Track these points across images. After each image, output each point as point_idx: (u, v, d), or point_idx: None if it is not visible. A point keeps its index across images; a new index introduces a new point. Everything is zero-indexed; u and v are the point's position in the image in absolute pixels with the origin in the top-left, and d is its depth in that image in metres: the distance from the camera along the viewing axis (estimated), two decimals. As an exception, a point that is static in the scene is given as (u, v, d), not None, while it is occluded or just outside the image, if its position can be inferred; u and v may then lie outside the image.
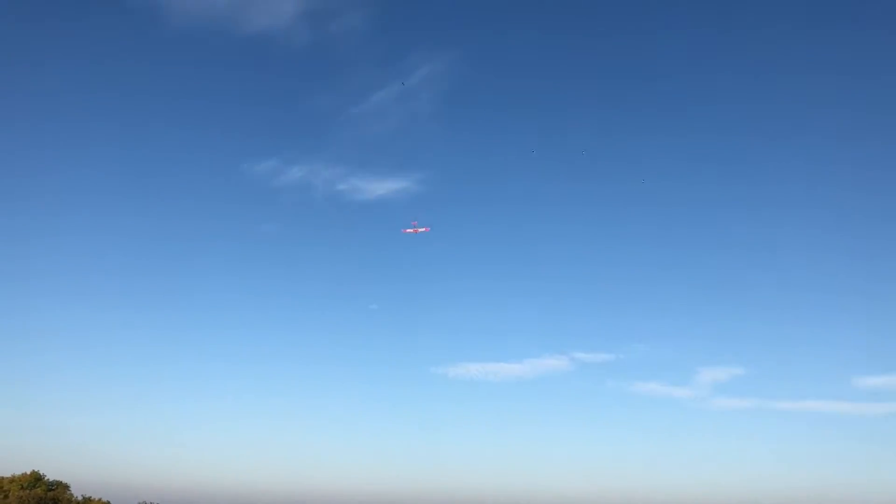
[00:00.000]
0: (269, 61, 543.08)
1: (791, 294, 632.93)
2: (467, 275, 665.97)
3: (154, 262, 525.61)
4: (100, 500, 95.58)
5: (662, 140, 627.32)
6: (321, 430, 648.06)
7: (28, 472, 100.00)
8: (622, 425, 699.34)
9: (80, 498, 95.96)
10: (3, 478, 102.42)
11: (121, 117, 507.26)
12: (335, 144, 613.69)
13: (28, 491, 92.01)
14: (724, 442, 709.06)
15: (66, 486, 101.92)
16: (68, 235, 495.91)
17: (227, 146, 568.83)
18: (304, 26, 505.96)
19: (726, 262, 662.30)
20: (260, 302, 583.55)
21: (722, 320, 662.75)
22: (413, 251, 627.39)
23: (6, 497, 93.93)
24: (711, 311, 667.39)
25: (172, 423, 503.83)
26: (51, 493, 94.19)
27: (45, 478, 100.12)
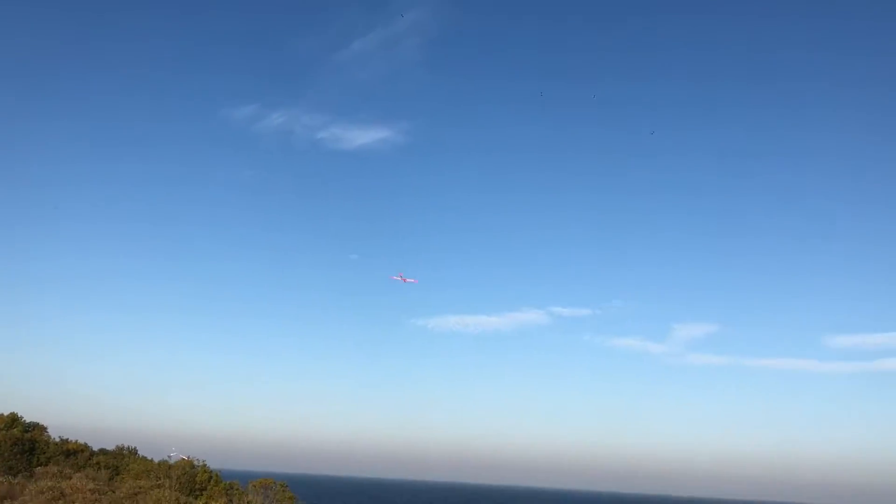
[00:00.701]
0: (250, 3, 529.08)
1: (765, 255, 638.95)
2: (448, 228, 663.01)
3: (130, 207, 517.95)
4: (76, 441, 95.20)
5: (661, 87, 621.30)
6: (299, 377, 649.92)
7: (5, 414, 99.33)
8: (598, 379, 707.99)
9: (57, 440, 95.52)
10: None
11: (97, 60, 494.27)
12: (317, 91, 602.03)
13: (5, 432, 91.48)
14: (697, 397, 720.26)
15: (43, 428, 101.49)
16: (41, 186, 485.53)
17: (207, 90, 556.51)
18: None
19: (703, 222, 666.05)
20: (237, 251, 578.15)
21: (698, 279, 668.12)
22: (394, 203, 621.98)
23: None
24: (688, 270, 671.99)
25: (150, 370, 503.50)
26: (28, 435, 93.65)
27: (22, 419, 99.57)
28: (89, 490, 52.95)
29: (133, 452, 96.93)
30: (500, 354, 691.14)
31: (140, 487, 53.01)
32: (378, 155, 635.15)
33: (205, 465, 70.83)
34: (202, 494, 60.74)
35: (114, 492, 53.64)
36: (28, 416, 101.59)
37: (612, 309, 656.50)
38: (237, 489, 62.10)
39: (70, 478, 59.59)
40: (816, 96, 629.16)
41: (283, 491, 64.92)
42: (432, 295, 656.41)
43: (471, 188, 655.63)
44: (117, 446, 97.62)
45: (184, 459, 73.80)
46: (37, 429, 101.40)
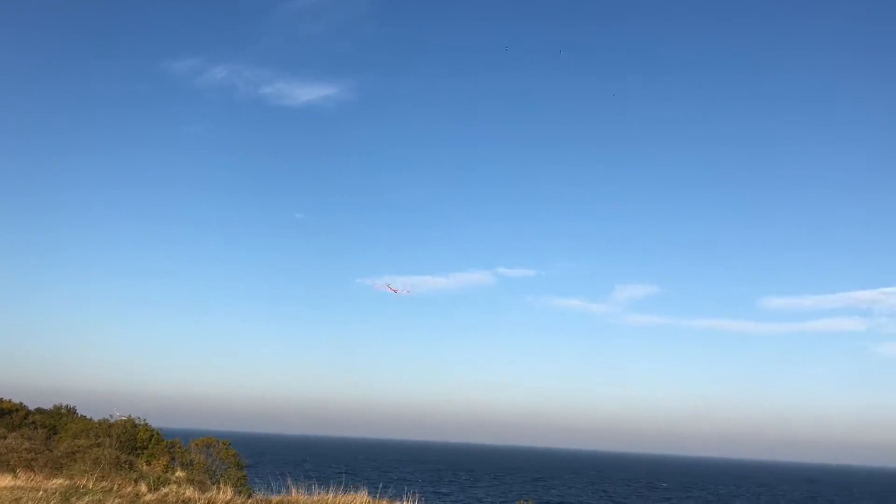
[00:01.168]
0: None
1: (703, 218, 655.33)
2: (395, 187, 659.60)
3: (68, 162, 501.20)
4: (10, 401, 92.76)
5: (626, 34, 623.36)
6: (241, 336, 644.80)
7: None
8: (542, 338, 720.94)
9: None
10: None
11: (20, 11, 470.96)
12: (261, 44, 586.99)
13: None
14: (637, 356, 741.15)
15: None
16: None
17: (146, 42, 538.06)
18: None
19: (645, 184, 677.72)
20: (179, 210, 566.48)
21: (639, 240, 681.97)
22: (340, 160, 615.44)
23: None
24: (629, 232, 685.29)
25: (89, 328, 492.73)
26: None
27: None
28: (25, 450, 51.87)
29: (72, 412, 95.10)
30: (445, 315, 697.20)
31: (78, 447, 52.16)
32: (325, 112, 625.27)
33: (146, 424, 70.27)
34: (143, 453, 60.15)
35: (51, 451, 52.73)
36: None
37: (556, 270, 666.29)
38: (179, 447, 61.60)
39: (5, 437, 58.26)
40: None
41: (226, 449, 64.76)
42: (379, 255, 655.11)
43: (419, 146, 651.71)
44: (55, 406, 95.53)
45: (124, 419, 72.72)
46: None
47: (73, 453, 36.46)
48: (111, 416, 45.47)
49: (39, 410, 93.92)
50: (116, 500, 19.06)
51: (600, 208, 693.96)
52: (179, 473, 27.93)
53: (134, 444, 50.46)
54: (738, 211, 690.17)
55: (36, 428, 74.93)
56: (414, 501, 21.33)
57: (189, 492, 20.10)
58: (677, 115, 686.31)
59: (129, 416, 45.64)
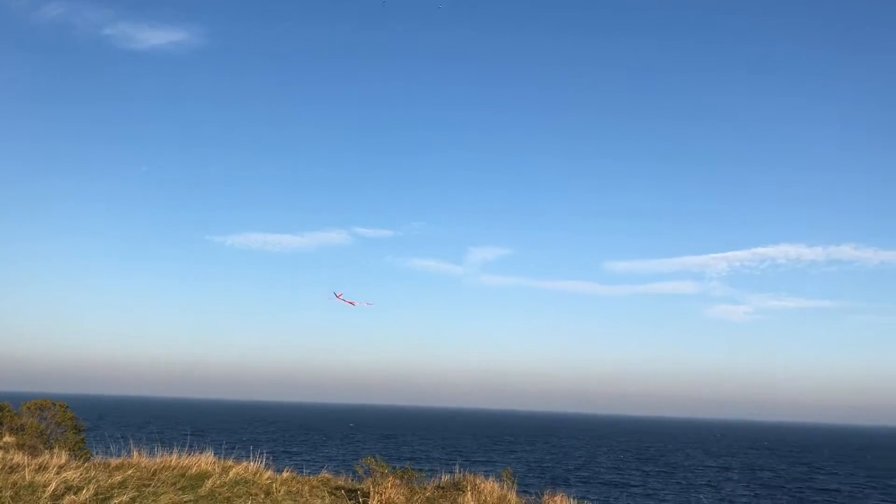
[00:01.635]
0: None
1: (553, 185, 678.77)
2: (250, 141, 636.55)
3: None
4: None
5: None
6: (81, 295, 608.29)
7: None
8: (399, 298, 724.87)
9: None
10: None
11: None
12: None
13: None
14: (491, 315, 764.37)
15: None
16: None
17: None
18: None
19: (501, 148, 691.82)
20: (8, 162, 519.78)
21: (493, 203, 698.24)
22: (190, 111, 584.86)
23: None
24: (485, 195, 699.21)
25: None
26: None
27: None
28: None
29: None
30: (302, 274, 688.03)
31: None
32: (174, 58, 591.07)
33: (-29, 387, 65.43)
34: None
35: None
36: None
37: (413, 231, 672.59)
38: (8, 411, 57.84)
39: None
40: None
41: (63, 412, 61.38)
42: (232, 211, 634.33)
43: (274, 99, 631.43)
44: None
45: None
46: None
47: None
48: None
49: None
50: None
51: (456, 174, 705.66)
52: (8, 439, 26.38)
53: (-44, 408, 46.86)
54: (583, 179, 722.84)
55: None
56: (261, 461, 21.32)
57: (18, 457, 19.10)
58: (522, 80, 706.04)
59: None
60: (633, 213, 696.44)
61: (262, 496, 18.76)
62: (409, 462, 34.46)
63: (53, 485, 16.21)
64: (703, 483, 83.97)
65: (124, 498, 16.32)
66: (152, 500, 16.67)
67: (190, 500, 17.31)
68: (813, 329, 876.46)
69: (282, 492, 19.34)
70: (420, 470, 22.14)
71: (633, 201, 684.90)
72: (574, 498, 20.60)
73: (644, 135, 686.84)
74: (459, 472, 22.33)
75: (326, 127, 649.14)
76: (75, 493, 16.02)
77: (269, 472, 21.11)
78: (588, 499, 36.68)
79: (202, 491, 18.03)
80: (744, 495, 73.27)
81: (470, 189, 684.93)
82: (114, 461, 20.54)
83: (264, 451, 23.08)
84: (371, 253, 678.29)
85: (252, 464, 21.14)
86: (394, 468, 20.66)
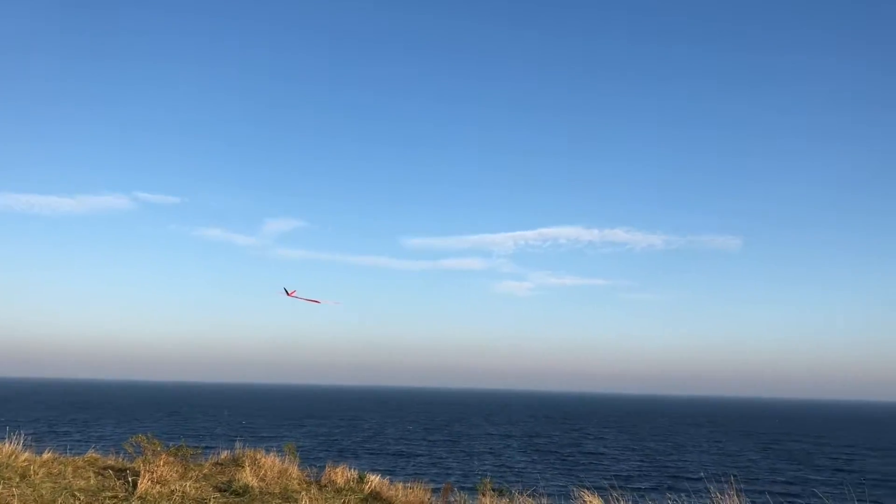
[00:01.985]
0: None
1: (345, 155, 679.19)
2: (28, 96, 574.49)
3: None
4: None
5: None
6: None
7: None
8: (184, 270, 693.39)
9: None
10: None
11: None
12: None
13: None
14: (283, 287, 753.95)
15: None
16: None
17: None
18: None
19: (297, 122, 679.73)
20: None
21: (289, 173, 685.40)
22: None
23: None
24: (281, 166, 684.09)
25: None
26: None
27: None
28: None
29: None
30: (74, 240, 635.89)
31: None
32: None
33: None
34: None
35: None
36: None
37: (203, 198, 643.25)
38: None
39: None
40: None
41: None
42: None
43: (42, 36, 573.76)
44: None
45: None
46: None
47: None
48: None
49: None
50: None
51: (250, 144, 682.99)
52: None
53: None
54: (382, 161, 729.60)
55: None
56: (19, 443, 19.68)
57: None
58: (306, 49, 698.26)
59: None
60: (429, 193, 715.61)
61: (17, 479, 17.25)
62: (188, 439, 33.25)
63: None
64: (486, 451, 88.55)
65: None
66: None
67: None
68: (588, 305, 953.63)
69: (41, 474, 17.90)
70: (198, 447, 21.42)
71: (429, 181, 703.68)
72: (354, 469, 20.91)
73: (439, 120, 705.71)
74: (240, 448, 21.89)
75: (107, 81, 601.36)
76: None
77: (26, 454, 19.52)
78: (377, 469, 37.35)
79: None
80: (521, 461, 78.16)
81: (267, 159, 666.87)
82: None
83: (24, 431, 21.32)
84: (154, 220, 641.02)
85: (7, 445, 19.47)
86: (167, 445, 19.82)
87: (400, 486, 19.74)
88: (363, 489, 19.13)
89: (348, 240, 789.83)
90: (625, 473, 69.35)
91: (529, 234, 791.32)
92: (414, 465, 70.38)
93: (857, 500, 40.58)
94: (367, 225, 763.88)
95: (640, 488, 53.70)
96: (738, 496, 13.97)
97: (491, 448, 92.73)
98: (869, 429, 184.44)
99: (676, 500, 15.24)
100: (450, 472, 65.29)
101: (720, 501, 14.11)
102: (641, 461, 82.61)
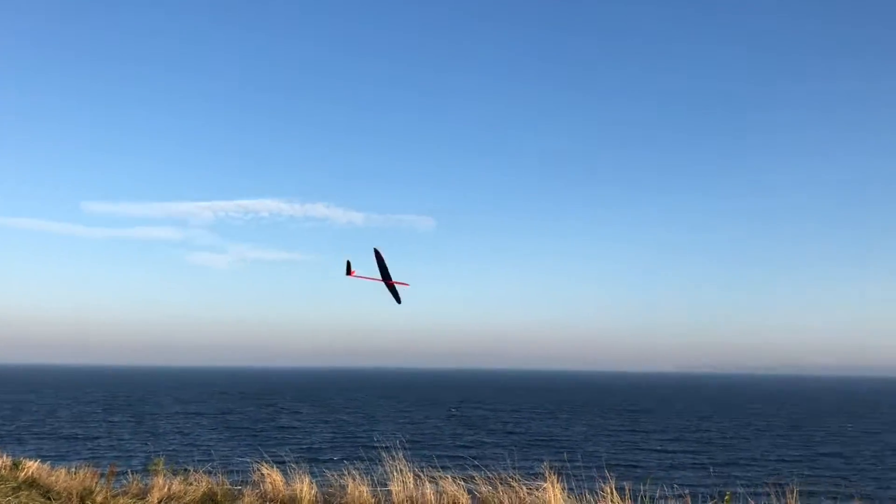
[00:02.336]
0: None
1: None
2: None
3: None
4: None
5: None
6: None
7: None
8: None
9: None
10: None
11: None
12: None
13: None
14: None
15: None
16: None
17: None
18: None
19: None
20: None
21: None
22: None
23: None
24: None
25: None
26: None
27: None
28: None
29: None
30: None
31: None
32: None
33: None
34: None
35: None
36: None
37: None
38: None
39: None
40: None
41: None
42: None
43: None
44: None
45: None
46: None
47: None
48: None
49: None
50: None
51: None
52: None
53: None
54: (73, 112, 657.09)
55: None
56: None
57: None
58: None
59: None
60: (111, 149, 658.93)
61: None
62: None
63: None
64: (173, 430, 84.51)
65: None
66: None
67: None
68: (291, 279, 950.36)
69: None
70: None
71: (113, 137, 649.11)
72: (9, 455, 18.66)
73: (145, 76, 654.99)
74: None
75: None
76: None
77: None
78: (44, 456, 34.02)
79: None
80: (211, 438, 75.83)
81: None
82: None
83: None
84: None
85: None
86: None
87: (63, 471, 17.91)
88: (17, 476, 17.07)
89: (21, 202, 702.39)
90: (316, 446, 70.49)
91: (227, 204, 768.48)
92: (90, 449, 64.98)
93: (522, 459, 45.42)
94: (45, 186, 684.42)
95: (332, 459, 54.98)
96: (405, 460, 14.76)
97: (179, 427, 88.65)
98: (532, 396, 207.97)
99: (358, 467, 15.67)
100: (131, 454, 61.22)
101: (393, 464, 14.82)
102: (334, 433, 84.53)
